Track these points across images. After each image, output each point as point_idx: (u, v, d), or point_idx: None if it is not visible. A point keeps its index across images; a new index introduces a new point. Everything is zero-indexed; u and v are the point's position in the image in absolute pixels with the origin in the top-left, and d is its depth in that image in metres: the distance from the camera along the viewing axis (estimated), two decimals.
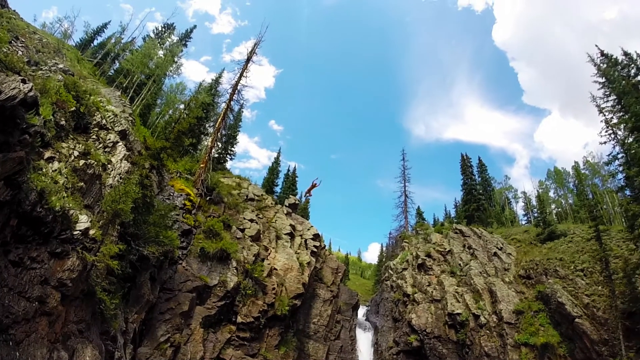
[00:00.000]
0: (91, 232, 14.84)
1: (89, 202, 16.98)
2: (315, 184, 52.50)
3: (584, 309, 24.43)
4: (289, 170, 68.02)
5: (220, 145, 48.59)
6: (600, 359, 21.86)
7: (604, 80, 31.53)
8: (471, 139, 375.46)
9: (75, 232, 13.86)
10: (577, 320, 23.77)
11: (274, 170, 60.78)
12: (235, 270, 28.22)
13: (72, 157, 16.94)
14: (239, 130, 55.69)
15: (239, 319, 26.83)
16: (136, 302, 20.00)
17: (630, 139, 26.92)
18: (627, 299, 22.22)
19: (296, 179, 65.04)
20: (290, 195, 52.62)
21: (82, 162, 17.19)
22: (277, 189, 60.66)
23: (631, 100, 27.68)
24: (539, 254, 33.74)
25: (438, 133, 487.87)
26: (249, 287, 28.22)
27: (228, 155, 52.64)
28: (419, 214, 62.58)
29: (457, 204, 67.13)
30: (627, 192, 29.02)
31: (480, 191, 59.38)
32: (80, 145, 18.28)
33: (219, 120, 40.28)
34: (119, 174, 20.45)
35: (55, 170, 15.16)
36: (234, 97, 41.02)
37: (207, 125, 50.68)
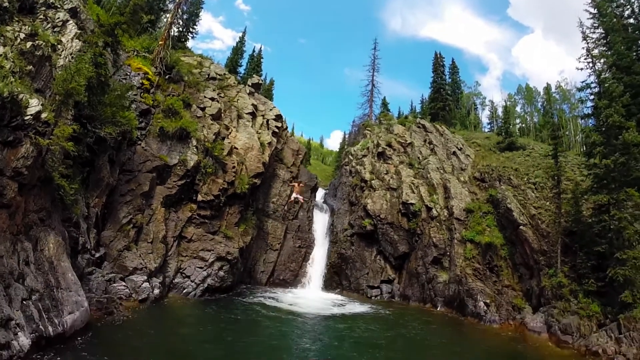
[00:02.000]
0: (43, 115, 13.07)
1: (40, 85, 15.09)
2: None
3: (530, 219, 26.07)
4: (254, 51, 63.91)
5: (181, 23, 43.15)
6: (537, 266, 24.11)
7: (595, 11, 31.12)
8: (448, 41, 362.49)
9: (26, 118, 12.25)
10: (521, 227, 25.49)
11: (238, 50, 56.30)
12: (195, 149, 27.21)
13: (19, 40, 15.22)
14: (202, 7, 48.81)
15: (200, 198, 26.67)
16: (96, 186, 19.06)
17: (608, 74, 27.03)
18: (570, 218, 23.66)
19: (261, 60, 61.09)
20: (254, 75, 49.55)
21: (29, 44, 15.33)
22: (241, 70, 56.99)
23: (618, 39, 27.86)
24: (496, 160, 34.83)
25: (414, 30, 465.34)
26: (209, 165, 27.62)
27: (189, 34, 46.87)
28: (385, 104, 61.22)
29: (424, 101, 66.88)
30: (592, 122, 30.04)
31: (449, 92, 58.78)
32: (27, 26, 16.14)
33: None
34: (71, 54, 17.91)
35: (1, 55, 13.63)
36: None
37: (166, 1, 43.90)
